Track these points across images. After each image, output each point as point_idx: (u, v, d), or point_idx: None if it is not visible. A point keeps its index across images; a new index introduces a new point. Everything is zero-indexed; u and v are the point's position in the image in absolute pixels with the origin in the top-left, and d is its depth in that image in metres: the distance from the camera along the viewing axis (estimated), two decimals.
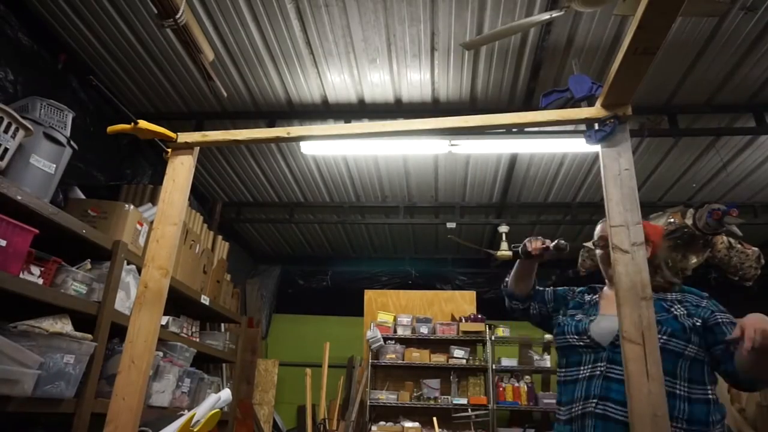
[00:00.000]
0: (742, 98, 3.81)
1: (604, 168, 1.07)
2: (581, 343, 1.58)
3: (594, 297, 1.74)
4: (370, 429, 4.90)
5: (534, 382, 5.24)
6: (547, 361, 5.26)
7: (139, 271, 2.33)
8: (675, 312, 1.53)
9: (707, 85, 3.69)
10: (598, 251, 1.73)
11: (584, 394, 1.50)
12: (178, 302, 3.15)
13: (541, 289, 1.87)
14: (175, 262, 3.21)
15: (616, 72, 0.99)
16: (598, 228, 1.76)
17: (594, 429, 1.43)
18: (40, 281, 1.88)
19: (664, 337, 1.45)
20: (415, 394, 5.21)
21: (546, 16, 2.75)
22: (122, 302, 2.30)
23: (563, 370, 1.64)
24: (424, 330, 5.37)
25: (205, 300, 3.31)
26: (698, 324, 1.48)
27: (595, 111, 1.10)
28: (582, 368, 1.56)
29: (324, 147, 4.28)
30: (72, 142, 2.32)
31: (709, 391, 1.44)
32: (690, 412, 1.40)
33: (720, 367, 1.45)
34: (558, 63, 3.53)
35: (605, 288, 1.75)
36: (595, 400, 1.46)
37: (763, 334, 1.19)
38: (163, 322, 2.89)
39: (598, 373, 1.49)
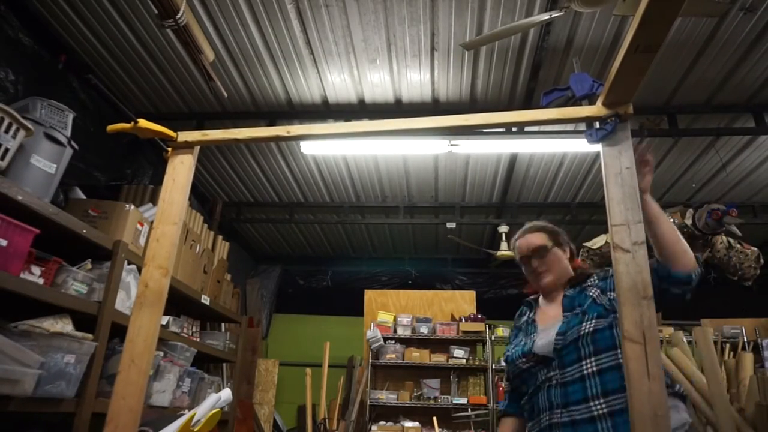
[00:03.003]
0: (741, 98, 3.82)
1: (605, 167, 1.07)
2: (531, 363, 1.54)
3: (530, 315, 1.70)
4: (370, 429, 4.90)
5: None
6: None
7: (140, 271, 2.32)
8: (592, 294, 1.53)
9: (707, 85, 3.69)
10: (534, 264, 1.65)
11: (547, 405, 1.47)
12: (179, 302, 3.14)
13: (510, 388, 1.75)
14: (176, 262, 3.20)
15: (617, 70, 0.99)
16: (519, 243, 1.70)
17: None
18: (41, 281, 1.88)
19: (593, 321, 1.45)
20: (415, 394, 5.21)
21: (546, 16, 2.75)
22: (123, 302, 2.30)
23: (527, 397, 1.57)
24: (424, 330, 5.37)
25: (205, 300, 3.31)
26: (612, 296, 1.49)
27: (596, 109, 1.10)
28: (539, 384, 1.52)
29: (324, 147, 4.28)
30: (72, 143, 2.32)
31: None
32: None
33: (657, 281, 1.38)
34: (558, 63, 3.53)
35: (540, 299, 1.72)
36: (559, 411, 1.43)
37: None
38: (164, 322, 2.89)
39: (554, 383, 1.46)
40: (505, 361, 1.69)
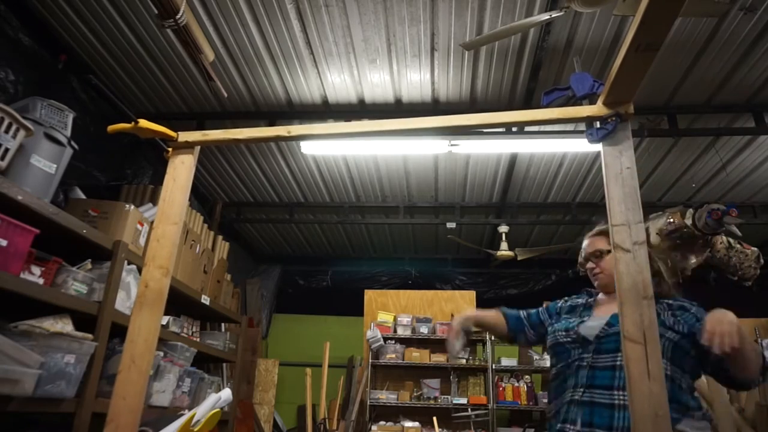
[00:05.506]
0: (741, 98, 3.82)
1: (605, 166, 1.07)
2: (568, 339, 1.61)
3: (590, 300, 1.76)
4: (370, 429, 4.90)
5: (534, 381, 5.23)
6: (547, 361, 5.22)
7: (140, 271, 2.32)
8: (662, 318, 1.53)
9: (707, 85, 3.69)
10: (589, 265, 1.72)
11: (572, 383, 1.54)
12: (179, 302, 3.14)
13: (525, 314, 1.88)
14: (176, 262, 3.20)
15: (618, 69, 0.99)
16: (586, 243, 1.76)
17: (581, 416, 1.46)
18: (41, 281, 1.88)
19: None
20: (415, 394, 5.21)
21: (546, 16, 2.75)
22: (123, 302, 2.30)
23: (554, 367, 1.67)
24: (424, 330, 5.37)
25: (205, 300, 3.31)
26: (684, 330, 1.51)
27: (597, 109, 1.10)
28: (570, 362, 1.60)
29: (324, 147, 4.28)
30: (72, 142, 2.32)
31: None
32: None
33: (715, 370, 1.49)
34: (558, 63, 3.53)
35: (600, 294, 1.76)
36: (581, 389, 1.49)
37: (729, 340, 1.25)
38: (164, 322, 2.89)
39: (584, 364, 1.53)
40: (548, 336, 1.73)
